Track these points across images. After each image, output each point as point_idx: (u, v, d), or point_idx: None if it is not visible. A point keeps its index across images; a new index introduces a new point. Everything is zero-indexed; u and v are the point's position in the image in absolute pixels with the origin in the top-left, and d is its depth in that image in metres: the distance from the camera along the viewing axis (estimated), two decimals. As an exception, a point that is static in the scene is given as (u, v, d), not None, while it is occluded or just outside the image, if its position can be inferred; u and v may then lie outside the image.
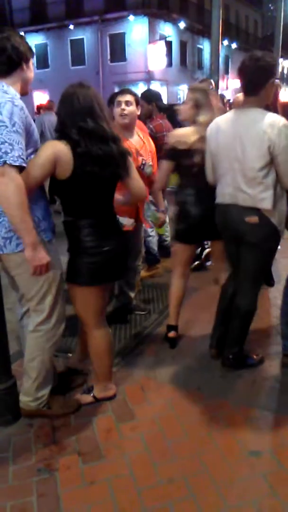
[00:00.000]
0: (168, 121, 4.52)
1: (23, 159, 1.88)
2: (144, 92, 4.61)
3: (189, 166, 2.74)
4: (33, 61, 2.15)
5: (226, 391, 2.56)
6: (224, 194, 2.53)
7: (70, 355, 2.83)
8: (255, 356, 2.81)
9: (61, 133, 2.09)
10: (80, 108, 2.06)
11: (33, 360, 2.28)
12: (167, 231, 4.35)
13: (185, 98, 2.88)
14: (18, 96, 2.02)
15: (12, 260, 2.12)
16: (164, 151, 2.93)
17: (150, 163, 3.13)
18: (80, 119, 2.05)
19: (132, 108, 2.92)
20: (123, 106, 2.89)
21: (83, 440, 2.23)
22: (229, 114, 2.51)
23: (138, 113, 3.08)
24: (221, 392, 2.55)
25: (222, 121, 2.51)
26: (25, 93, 2.14)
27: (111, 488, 1.94)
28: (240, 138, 2.36)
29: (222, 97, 8.29)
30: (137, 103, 2.98)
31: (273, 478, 1.95)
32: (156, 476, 1.99)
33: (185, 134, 2.75)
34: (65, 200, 2.20)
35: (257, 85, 2.35)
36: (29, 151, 2.04)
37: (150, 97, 4.43)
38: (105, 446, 2.18)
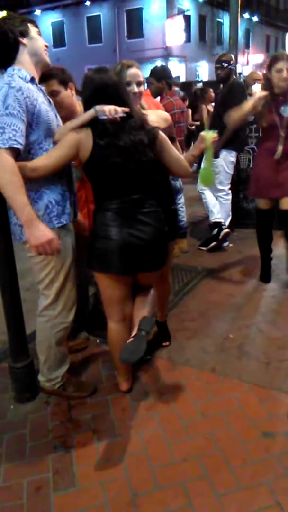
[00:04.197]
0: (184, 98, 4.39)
1: (15, 140, 1.81)
2: (154, 69, 4.42)
3: None
4: (38, 30, 2.04)
5: (240, 373, 2.55)
6: None
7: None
8: None
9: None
10: (115, 98, 1.97)
11: (40, 343, 2.30)
12: (183, 212, 4.30)
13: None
14: (28, 76, 1.94)
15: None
16: None
17: None
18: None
19: None
20: None
21: (98, 418, 2.26)
22: None
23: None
24: (236, 374, 2.54)
25: None
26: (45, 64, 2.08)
27: (125, 465, 1.97)
28: None
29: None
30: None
31: (287, 459, 1.95)
32: (170, 455, 2.01)
33: None
34: (91, 183, 2.13)
35: None
36: (41, 132, 1.98)
37: (160, 75, 4.21)
38: (120, 425, 2.21)
